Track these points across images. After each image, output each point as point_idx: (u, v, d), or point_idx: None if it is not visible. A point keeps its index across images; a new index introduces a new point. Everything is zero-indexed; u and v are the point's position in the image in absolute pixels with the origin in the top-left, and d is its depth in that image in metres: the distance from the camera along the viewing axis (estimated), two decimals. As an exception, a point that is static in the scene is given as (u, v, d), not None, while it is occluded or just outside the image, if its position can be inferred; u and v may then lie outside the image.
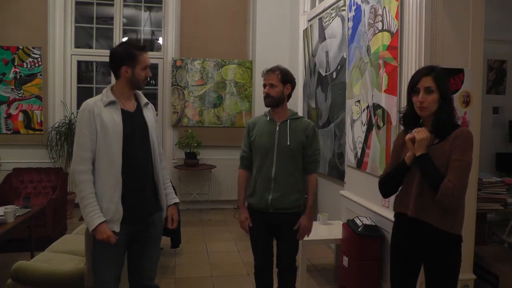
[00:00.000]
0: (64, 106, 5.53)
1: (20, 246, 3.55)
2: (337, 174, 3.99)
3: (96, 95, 2.18)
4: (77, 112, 5.44)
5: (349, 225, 3.03)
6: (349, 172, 3.67)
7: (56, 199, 4.05)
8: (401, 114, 1.93)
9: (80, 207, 1.91)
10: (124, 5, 5.80)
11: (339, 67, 3.93)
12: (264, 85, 2.33)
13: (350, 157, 3.60)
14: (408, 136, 1.78)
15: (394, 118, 2.85)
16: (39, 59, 5.39)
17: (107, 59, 2.03)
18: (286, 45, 5.65)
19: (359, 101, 3.42)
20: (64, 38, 5.53)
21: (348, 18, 3.64)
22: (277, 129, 2.30)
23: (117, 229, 1.93)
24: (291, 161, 2.28)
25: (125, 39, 5.68)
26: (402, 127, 1.96)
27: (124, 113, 1.98)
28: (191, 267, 3.66)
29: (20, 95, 5.36)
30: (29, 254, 3.37)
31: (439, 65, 1.89)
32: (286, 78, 2.31)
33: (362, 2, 3.33)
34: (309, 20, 4.91)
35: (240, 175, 2.46)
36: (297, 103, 5.05)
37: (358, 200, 3.38)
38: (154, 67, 5.72)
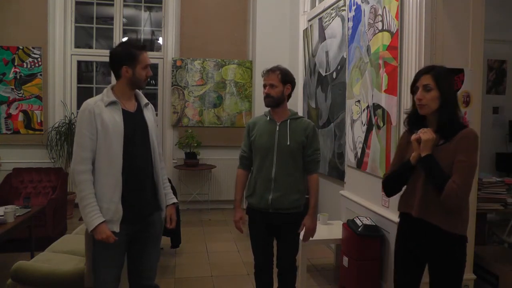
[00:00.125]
0: (64, 106, 5.53)
1: (20, 246, 3.55)
2: (337, 174, 3.99)
3: (96, 95, 2.18)
4: (77, 112, 5.45)
5: (349, 225, 3.03)
6: (349, 172, 3.67)
7: (56, 199, 4.05)
8: (406, 114, 1.93)
9: (80, 207, 1.91)
10: (124, 5, 5.80)
11: (339, 67, 3.93)
12: (264, 85, 2.33)
13: (350, 157, 3.60)
14: (414, 136, 1.78)
15: (394, 118, 2.85)
16: (39, 59, 5.39)
17: (107, 59, 2.03)
18: (286, 45, 5.65)
19: (359, 101, 3.42)
20: (64, 38, 5.53)
21: (348, 18, 3.64)
22: (277, 129, 2.30)
23: (117, 229, 1.92)
24: (291, 161, 2.28)
25: (125, 39, 5.68)
26: (405, 127, 1.96)
27: (125, 113, 1.98)
28: (191, 267, 3.66)
29: (20, 95, 5.36)
30: (29, 254, 3.37)
31: (444, 65, 1.88)
32: (286, 78, 2.31)
33: (362, 2, 3.33)
34: (309, 20, 4.91)
35: (238, 174, 2.46)
36: (297, 103, 5.05)
37: (358, 200, 3.38)
38: (154, 67, 5.72)
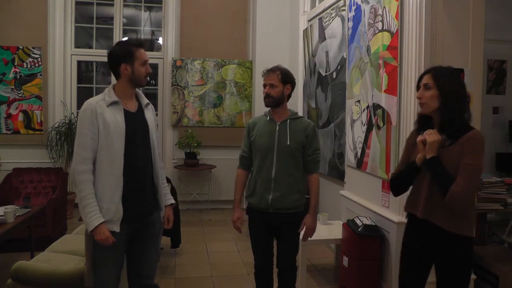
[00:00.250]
0: (64, 106, 5.53)
1: (20, 246, 3.55)
2: (337, 174, 3.99)
3: (96, 95, 2.18)
4: (77, 112, 5.47)
5: (349, 225, 3.03)
6: (349, 172, 3.67)
7: (56, 199, 4.05)
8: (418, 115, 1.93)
9: (80, 207, 1.91)
10: (124, 5, 5.80)
11: (339, 67, 3.93)
12: (264, 85, 2.33)
13: (350, 157, 3.60)
14: (420, 138, 1.79)
15: (394, 118, 2.85)
16: (39, 59, 5.39)
17: (107, 59, 2.03)
18: (286, 45, 5.65)
19: (359, 101, 3.42)
20: (64, 38, 5.53)
21: (348, 18, 3.64)
22: (277, 129, 2.30)
23: (117, 229, 1.92)
24: (291, 161, 2.28)
25: (124, 39, 5.68)
26: (415, 126, 1.96)
27: (126, 113, 1.98)
28: (191, 267, 3.66)
29: (20, 95, 5.36)
30: (29, 254, 3.37)
31: (451, 66, 1.87)
32: (286, 78, 2.31)
33: (362, 2, 3.33)
34: (309, 20, 4.91)
35: (238, 174, 2.46)
36: (297, 103, 5.05)
37: (358, 200, 3.38)
38: (154, 67, 5.72)
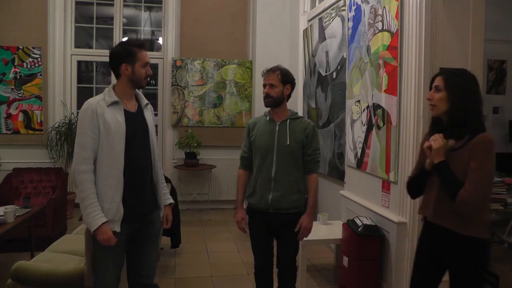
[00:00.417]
0: (64, 106, 5.53)
1: (20, 246, 3.55)
2: (337, 174, 3.99)
3: (96, 95, 2.18)
4: (77, 112, 5.47)
5: (349, 225, 3.03)
6: (349, 172, 3.67)
7: (56, 199, 4.05)
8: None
9: (81, 207, 1.90)
10: (124, 5, 5.80)
11: (339, 67, 3.93)
12: (264, 85, 2.33)
13: (350, 157, 3.60)
14: (426, 144, 1.80)
15: (394, 118, 2.85)
16: (39, 59, 5.38)
17: (107, 59, 2.04)
18: (286, 45, 5.65)
19: (359, 101, 3.42)
20: (64, 38, 5.53)
21: (348, 18, 3.64)
22: (277, 129, 2.30)
23: (117, 229, 1.93)
24: (291, 161, 2.28)
25: (125, 39, 5.68)
26: (428, 128, 1.95)
27: (127, 114, 1.98)
28: (191, 267, 3.66)
29: (20, 95, 5.35)
30: (29, 254, 3.38)
31: (465, 69, 1.87)
32: (286, 78, 2.31)
33: (362, 2, 3.33)
34: (309, 20, 4.91)
35: (240, 175, 2.46)
36: (297, 103, 5.05)
37: (358, 200, 3.38)
38: (154, 67, 5.72)
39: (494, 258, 2.90)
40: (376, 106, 3.10)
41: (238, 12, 5.90)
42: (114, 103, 1.95)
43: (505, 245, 3.40)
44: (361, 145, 3.37)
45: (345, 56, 3.75)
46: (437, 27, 2.59)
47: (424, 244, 1.91)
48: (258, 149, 2.32)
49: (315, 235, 3.24)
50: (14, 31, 5.29)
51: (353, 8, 3.51)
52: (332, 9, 4.14)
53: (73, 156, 1.96)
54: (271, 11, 5.61)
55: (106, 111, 1.92)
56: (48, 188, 4.57)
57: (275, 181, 2.27)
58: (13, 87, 5.33)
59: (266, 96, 2.31)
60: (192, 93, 5.78)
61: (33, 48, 5.36)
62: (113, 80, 2.06)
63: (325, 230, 3.44)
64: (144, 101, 2.13)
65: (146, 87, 2.23)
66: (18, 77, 5.34)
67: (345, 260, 3.00)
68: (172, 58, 5.72)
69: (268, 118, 2.36)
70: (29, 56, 5.35)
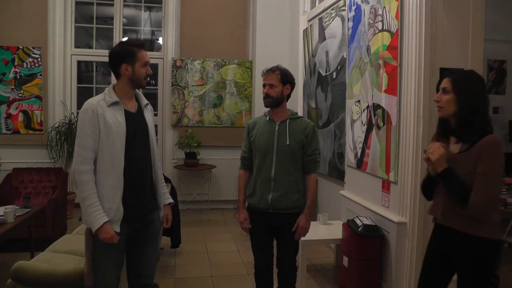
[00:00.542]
0: (64, 106, 5.53)
1: (20, 246, 3.55)
2: (337, 174, 3.99)
3: (96, 95, 2.18)
4: (77, 112, 5.47)
5: (349, 225, 3.03)
6: (349, 172, 3.67)
7: (56, 199, 4.05)
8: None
9: (82, 207, 1.91)
10: (124, 5, 5.80)
11: (339, 67, 3.93)
12: (264, 85, 2.32)
13: (350, 157, 3.60)
14: (425, 156, 1.79)
15: (394, 118, 2.85)
16: (39, 59, 5.39)
17: (107, 59, 2.03)
18: (286, 45, 5.65)
19: (359, 101, 3.42)
20: (64, 38, 5.53)
21: (348, 18, 3.64)
22: (277, 129, 2.30)
23: (117, 229, 1.93)
24: (291, 161, 2.28)
25: (125, 39, 5.68)
26: (436, 129, 1.95)
27: (127, 114, 1.99)
28: (191, 267, 3.66)
29: (20, 95, 5.36)
30: (29, 254, 3.38)
31: (473, 70, 1.87)
32: (286, 78, 2.31)
33: (362, 2, 3.33)
34: (309, 20, 4.91)
35: (240, 175, 2.46)
36: (297, 103, 5.05)
37: (358, 200, 3.38)
38: (154, 67, 5.72)
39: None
40: (376, 106, 3.10)
41: (238, 12, 5.91)
42: (115, 103, 1.95)
43: (505, 245, 3.41)
44: (361, 145, 3.37)
45: (345, 56, 3.75)
46: (437, 27, 2.58)
47: (434, 245, 1.91)
48: (258, 149, 2.32)
49: (315, 235, 3.24)
50: (14, 31, 5.30)
51: (353, 8, 3.51)
52: (332, 9, 4.14)
53: (73, 156, 1.96)
54: (271, 11, 5.61)
55: (106, 111, 1.92)
56: (48, 188, 4.57)
57: (274, 181, 2.27)
58: (13, 87, 5.33)
59: (266, 96, 2.31)
60: (192, 93, 5.78)
61: (33, 48, 5.36)
62: (113, 80, 2.06)
63: (325, 230, 3.44)
64: (144, 101, 2.13)
65: (146, 87, 2.23)
66: (18, 77, 5.34)
67: (345, 260, 3.00)
68: (172, 58, 5.72)
69: (268, 118, 2.36)
70: (29, 56, 5.35)
